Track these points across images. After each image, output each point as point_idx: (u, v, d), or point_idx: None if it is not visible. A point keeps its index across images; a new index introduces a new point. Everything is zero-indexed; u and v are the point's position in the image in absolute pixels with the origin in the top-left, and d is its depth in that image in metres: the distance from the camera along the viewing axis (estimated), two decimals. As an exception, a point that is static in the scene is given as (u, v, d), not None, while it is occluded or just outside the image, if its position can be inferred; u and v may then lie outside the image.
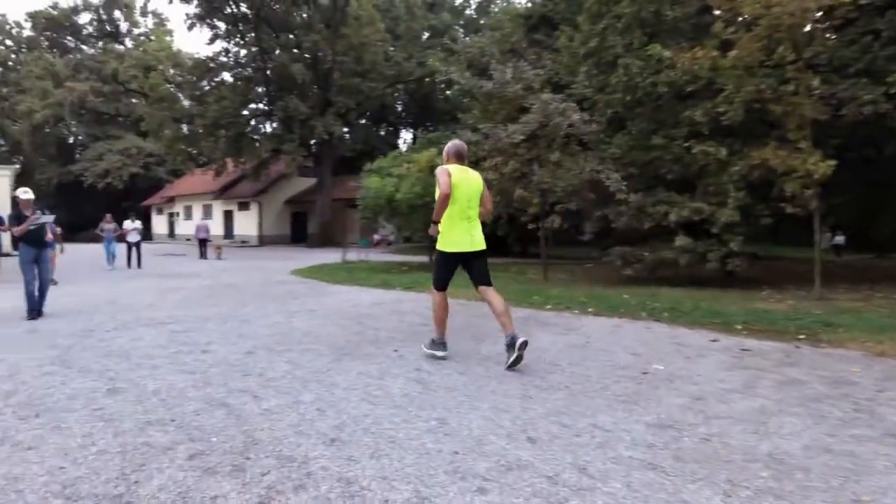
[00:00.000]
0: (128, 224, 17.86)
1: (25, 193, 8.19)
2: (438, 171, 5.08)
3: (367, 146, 38.93)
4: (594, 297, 9.51)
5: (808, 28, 9.84)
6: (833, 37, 10.50)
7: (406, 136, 50.04)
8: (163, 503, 2.63)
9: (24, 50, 51.74)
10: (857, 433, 3.55)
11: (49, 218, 8.29)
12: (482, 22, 33.73)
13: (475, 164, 13.32)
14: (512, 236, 22.45)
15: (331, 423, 3.66)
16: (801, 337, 6.36)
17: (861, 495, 2.77)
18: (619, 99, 12.58)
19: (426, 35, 39.28)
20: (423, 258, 18.89)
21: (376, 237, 32.04)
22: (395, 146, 43.31)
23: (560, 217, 12.71)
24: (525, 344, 4.94)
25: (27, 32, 52.46)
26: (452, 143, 5.45)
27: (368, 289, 11.73)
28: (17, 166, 32.58)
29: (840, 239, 20.98)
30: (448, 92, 31.48)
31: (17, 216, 7.96)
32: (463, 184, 5.10)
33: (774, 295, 10.19)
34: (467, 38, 25.48)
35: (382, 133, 47.79)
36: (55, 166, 49.37)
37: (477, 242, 5.24)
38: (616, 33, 12.77)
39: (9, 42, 53.28)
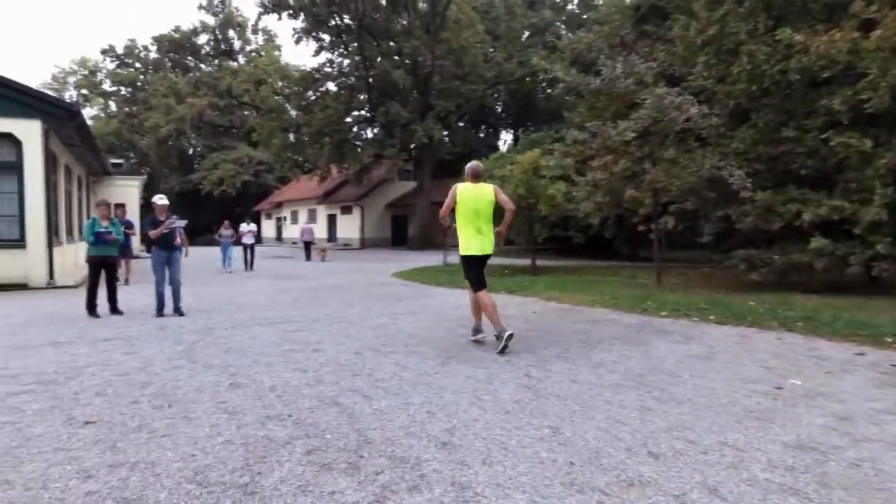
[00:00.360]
0: (243, 227, 18.92)
1: (161, 200, 8.96)
2: (453, 188, 6.17)
3: (466, 149, 39.24)
4: (715, 304, 9.00)
5: None
6: None
7: (506, 138, 50.00)
8: (284, 495, 2.74)
9: (150, 71, 57.06)
10: None
11: (182, 223, 9.02)
12: (585, 17, 33.00)
13: (583, 163, 13.08)
14: (620, 238, 21.76)
15: (441, 427, 3.69)
16: None
17: None
18: (743, 89, 11.71)
19: (526, 34, 39.04)
20: (526, 261, 18.69)
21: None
22: (495, 148, 43.31)
23: (674, 218, 12.07)
24: (509, 341, 5.81)
25: (153, 55, 57.81)
26: (469, 164, 6.39)
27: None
28: (145, 176, 35.90)
29: None
30: (550, 91, 31.09)
31: (153, 221, 8.69)
32: (470, 199, 6.07)
33: None
34: (570, 35, 25.00)
35: (482, 135, 48.00)
36: (177, 176, 53.91)
37: (485, 248, 6.19)
38: (738, 19, 11.93)
39: (138, 64, 58.99)
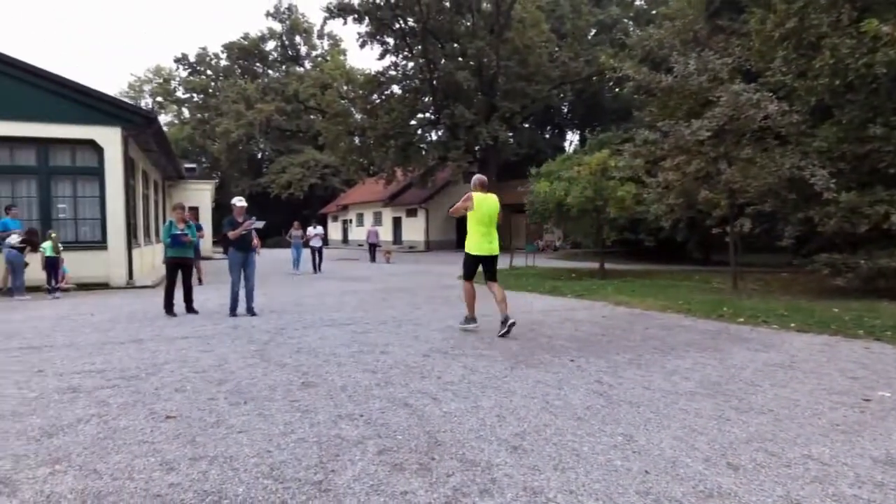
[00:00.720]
0: (310, 231, 19.25)
1: (240, 201, 9.35)
2: (467, 195, 7.31)
3: (531, 150, 38.99)
4: (796, 310, 8.69)
5: None
6: None
7: (572, 138, 49.37)
8: (357, 494, 2.82)
9: (221, 77, 59.53)
10: None
11: (260, 224, 9.38)
12: (654, 13, 32.19)
13: (653, 164, 12.88)
14: (692, 242, 21.16)
15: (512, 431, 3.71)
16: None
17: None
18: (826, 84, 11.21)
19: (593, 32, 38.45)
20: (593, 264, 18.41)
21: (541, 242, 31.92)
22: (561, 149, 42.80)
23: (751, 220, 11.62)
24: (513, 324, 7.03)
25: (223, 62, 60.35)
26: (476, 177, 7.68)
27: (538, 295, 11.78)
28: (217, 180, 37.47)
29: None
30: (618, 90, 30.42)
31: (231, 222, 9.05)
32: (483, 205, 7.24)
33: None
34: (639, 32, 24.44)
35: (547, 136, 47.57)
36: (246, 179, 56.06)
37: (492, 249, 7.34)
38: (819, 10, 11.42)
39: (209, 72, 61.69)
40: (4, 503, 2.75)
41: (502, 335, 6.88)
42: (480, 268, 7.41)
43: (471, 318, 7.53)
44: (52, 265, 11.80)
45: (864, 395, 4.51)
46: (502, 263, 19.95)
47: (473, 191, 7.37)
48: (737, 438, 3.57)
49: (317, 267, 18.64)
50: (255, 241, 9.91)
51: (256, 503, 2.72)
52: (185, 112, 64.52)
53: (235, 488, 2.87)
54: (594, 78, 33.34)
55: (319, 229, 19.69)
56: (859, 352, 6.17)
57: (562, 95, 36.55)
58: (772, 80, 11.63)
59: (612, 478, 3.02)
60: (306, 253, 19.12)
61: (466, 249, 7.41)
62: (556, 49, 33.52)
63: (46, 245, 11.73)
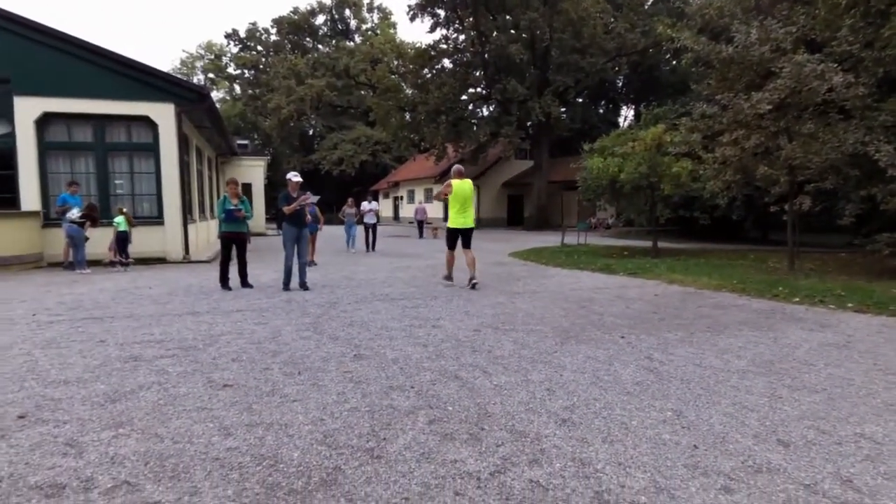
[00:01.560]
0: (365, 206, 18.60)
1: (295, 176, 9.36)
2: (448, 182, 9.29)
3: (584, 125, 38.28)
4: (854, 291, 8.59)
5: None
6: None
7: (627, 114, 48.17)
8: (408, 461, 2.96)
9: (271, 53, 60.18)
10: None
11: (314, 199, 9.61)
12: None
13: (711, 139, 12.65)
14: (749, 220, 20.59)
15: (561, 404, 3.84)
16: None
17: None
18: (894, 55, 10.71)
19: (650, 1, 37.16)
20: (646, 243, 18.15)
21: (593, 220, 31.49)
22: (615, 124, 41.88)
23: (811, 198, 11.29)
24: (476, 283, 9.13)
25: (273, 37, 60.99)
26: (454, 167, 9.59)
27: (589, 273, 11.84)
28: (269, 157, 38.19)
29: None
30: (675, 62, 29.39)
31: (286, 197, 9.09)
32: (460, 190, 9.24)
33: None
34: (698, 0, 23.53)
35: (601, 111, 46.55)
36: (298, 156, 56.97)
37: (468, 223, 9.37)
38: (891, -25, 10.84)
39: (259, 47, 62.51)
40: (71, 463, 2.91)
41: (470, 287, 9.04)
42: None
43: (448, 277, 9.68)
44: (123, 240, 12.37)
45: None
46: (555, 241, 20.14)
47: (452, 179, 9.27)
48: (788, 416, 3.62)
49: (370, 245, 17.99)
50: (320, 217, 10.06)
51: (311, 468, 2.87)
52: (237, 88, 65.58)
53: (290, 453, 3.03)
54: (650, 50, 32.29)
55: (375, 204, 19.00)
56: None
57: (616, 69, 35.59)
58: (837, 50, 11.11)
59: (660, 451, 3.10)
60: (360, 230, 18.61)
61: (448, 224, 9.43)
62: (612, 20, 32.51)
63: (119, 220, 12.27)
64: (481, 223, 38.89)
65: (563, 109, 33.32)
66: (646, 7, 34.43)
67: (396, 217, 52.53)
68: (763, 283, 9.57)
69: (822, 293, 8.39)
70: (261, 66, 59.38)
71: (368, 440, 3.20)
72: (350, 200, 18.68)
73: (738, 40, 11.46)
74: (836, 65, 10.61)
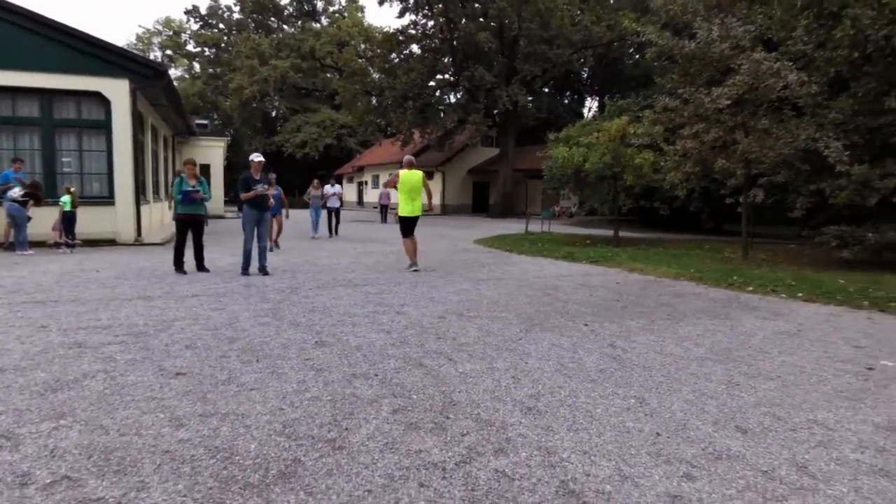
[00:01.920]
0: (328, 189, 17.59)
1: (257, 157, 9.08)
2: (396, 173, 9.81)
3: (550, 115, 38.45)
4: (803, 281, 8.91)
5: None
6: None
7: (591, 105, 48.61)
8: (371, 451, 2.87)
9: (234, 32, 58.44)
10: None
11: (272, 191, 9.36)
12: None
13: (672, 132, 12.90)
14: (705, 212, 21.11)
15: (526, 392, 3.81)
16: None
17: None
18: (845, 56, 11.18)
19: (615, -5, 37.43)
20: (608, 232, 18.43)
21: (557, 209, 31.75)
22: (580, 115, 42.19)
23: (763, 191, 11.74)
24: (417, 269, 9.61)
25: (237, 15, 59.30)
26: (405, 158, 10.06)
27: (553, 260, 11.92)
28: (229, 138, 37.17)
29: None
30: (639, 55, 29.68)
31: (248, 179, 8.82)
32: (407, 180, 9.61)
33: None
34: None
35: (566, 101, 46.84)
36: (260, 137, 55.74)
37: (414, 211, 9.75)
38: (842, -21, 11.26)
39: (221, 25, 60.68)
40: (7, 457, 2.71)
41: (412, 271, 9.52)
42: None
43: (413, 264, 9.79)
44: (70, 220, 11.84)
45: (867, 363, 4.67)
46: (519, 229, 20.22)
47: (401, 169, 9.77)
48: (745, 403, 3.70)
49: (334, 230, 17.51)
50: (285, 200, 9.94)
51: (269, 460, 2.75)
52: (196, 66, 63.49)
53: (247, 445, 2.90)
54: (615, 43, 32.67)
55: (338, 188, 18.17)
56: (863, 322, 6.35)
57: (582, 60, 35.89)
58: (792, 49, 11.52)
59: (624, 439, 3.12)
60: (323, 215, 17.74)
61: (398, 213, 9.93)
62: (579, 13, 32.74)
63: (66, 199, 11.70)
64: (446, 210, 38.93)
65: (529, 98, 33.41)
66: (611, 1, 34.68)
67: (360, 202, 52.06)
68: (719, 272, 9.81)
69: (774, 283, 8.66)
70: (222, 45, 57.65)
71: (330, 430, 3.10)
72: (316, 182, 17.54)
73: (700, 37, 11.70)
74: (790, 63, 10.97)
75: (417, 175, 9.74)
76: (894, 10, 9.99)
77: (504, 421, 3.29)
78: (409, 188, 9.61)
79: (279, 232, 13.06)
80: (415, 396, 3.65)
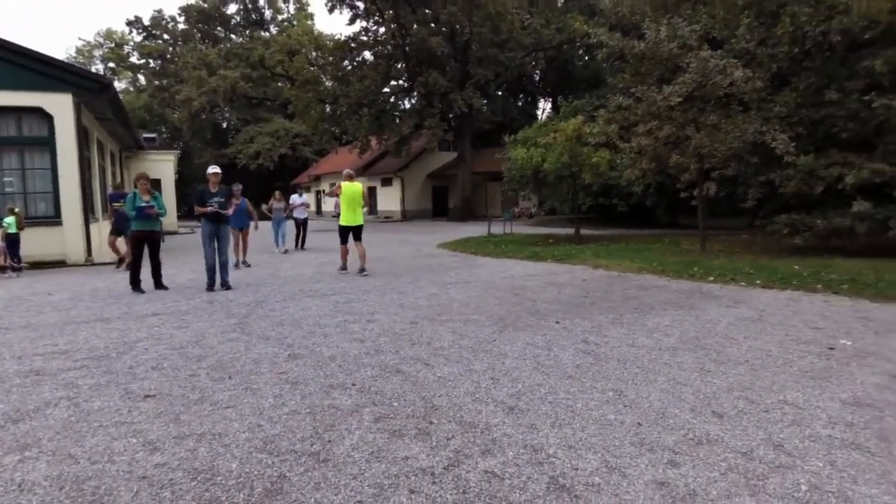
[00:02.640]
0: (295, 199, 16.71)
1: (213, 169, 8.90)
2: (338, 184, 10.31)
3: (505, 118, 38.82)
4: (760, 269, 9.30)
5: None
6: None
7: (545, 106, 49.28)
8: (357, 462, 2.84)
9: (179, 42, 56.92)
10: None
11: (241, 204, 9.05)
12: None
13: (626, 130, 13.35)
14: (661, 206, 21.68)
15: (507, 392, 3.85)
16: None
17: None
18: (785, 52, 11.93)
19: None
20: (569, 230, 18.76)
21: (517, 210, 32.04)
22: (534, 116, 42.72)
23: (716, 184, 12.33)
24: (365, 273, 10.04)
25: (181, 26, 57.73)
26: (345, 171, 10.66)
27: (518, 261, 12.07)
28: (179, 151, 36.21)
29: None
30: (589, 57, 30.27)
31: (204, 192, 8.63)
32: (349, 191, 10.12)
33: None
34: None
35: (520, 104, 47.38)
36: (211, 149, 54.31)
37: (356, 220, 10.23)
38: (779, -22, 11.88)
39: (166, 36, 58.86)
40: None
41: (360, 275, 9.95)
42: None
43: (343, 268, 10.60)
44: (14, 243, 11.35)
45: (827, 344, 4.92)
46: (481, 231, 20.34)
47: (343, 181, 10.25)
48: (718, 388, 3.84)
49: (300, 243, 16.40)
50: (252, 211, 10.59)
51: (252, 478, 2.69)
52: (142, 79, 61.34)
53: (228, 464, 2.84)
54: (565, 46, 33.26)
55: (304, 198, 17.19)
56: (820, 304, 6.69)
57: (534, 63, 36.40)
58: (736, 47, 12.07)
59: (607, 431, 3.19)
60: (289, 227, 16.50)
61: (339, 222, 10.46)
62: (528, 16, 33.23)
63: (10, 221, 11.19)
64: (406, 215, 38.86)
65: (484, 102, 33.65)
66: (560, 4, 35.28)
67: (319, 211, 51.54)
68: (680, 264, 10.13)
69: (733, 272, 8.99)
70: (168, 56, 56.20)
71: (313, 443, 3.06)
72: (277, 194, 16.47)
73: (649, 37, 12.12)
74: (735, 61, 11.46)
75: (358, 187, 10.27)
76: (830, 6, 10.52)
77: (488, 422, 3.31)
78: (351, 199, 10.17)
79: (245, 249, 12.39)
80: (395, 403, 3.63)
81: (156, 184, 25.41)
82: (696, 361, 4.45)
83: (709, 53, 11.35)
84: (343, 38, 34.44)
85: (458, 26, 31.18)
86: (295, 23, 55.79)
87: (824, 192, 11.28)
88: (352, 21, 34.16)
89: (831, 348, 4.78)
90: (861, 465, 2.75)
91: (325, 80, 36.06)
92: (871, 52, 10.64)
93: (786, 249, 12.16)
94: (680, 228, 21.12)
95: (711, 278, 8.68)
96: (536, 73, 43.70)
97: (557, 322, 5.92)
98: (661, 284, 8.39)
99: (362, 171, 41.14)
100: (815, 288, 7.64)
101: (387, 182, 41.14)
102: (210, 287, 8.64)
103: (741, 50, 12.12)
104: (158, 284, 8.83)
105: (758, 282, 8.21)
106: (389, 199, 40.86)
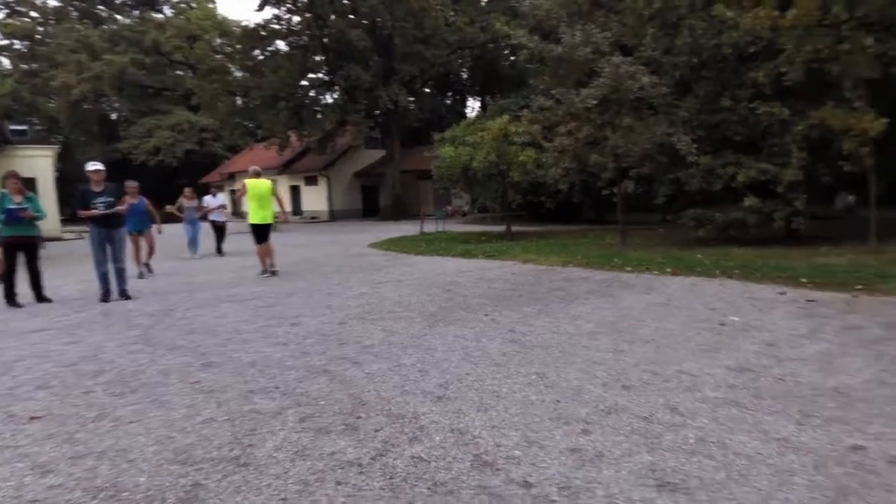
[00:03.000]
0: (209, 200, 15.89)
1: (93, 166, 8.48)
2: (244, 183, 10.60)
3: (434, 115, 39.08)
4: (671, 259, 10.60)
5: None
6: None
7: (474, 105, 49.94)
8: (281, 461, 2.99)
9: (52, 21, 51.07)
10: (911, 368, 4.29)
11: (138, 203, 8.80)
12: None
13: (549, 130, 14.50)
14: (587, 203, 23.36)
15: (435, 382, 4.23)
16: (859, 287, 7.37)
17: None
18: (685, 61, 13.58)
19: (486, -1, 38.61)
20: (501, 227, 19.79)
21: (450, 208, 32.48)
22: (463, 115, 43.24)
23: (634, 182, 13.96)
24: (276, 272, 10.61)
25: (53, 2, 52.13)
26: (251, 168, 10.97)
27: (451, 258, 12.80)
28: (58, 146, 33.56)
29: (850, 199, 20.68)
30: (514, 57, 31.11)
31: (86, 192, 8.27)
32: (254, 188, 10.39)
33: (834, 250, 11.07)
34: (530, 0, 25.36)
35: (449, 101, 47.83)
36: (100, 144, 49.96)
37: (265, 219, 10.50)
38: (679, -7, 13.30)
39: (34, 14, 53.02)
40: None
41: (271, 275, 10.44)
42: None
43: (264, 270, 10.65)
44: None
45: (719, 321, 5.97)
46: (413, 230, 20.70)
47: (248, 179, 10.56)
48: (628, 364, 4.62)
49: (218, 247, 15.48)
50: (153, 212, 10.71)
51: (163, 489, 2.73)
52: (6, 62, 56.19)
53: (135, 479, 2.85)
54: (490, 45, 33.82)
55: (221, 198, 16.31)
56: (716, 288, 7.93)
57: (461, 61, 36.97)
58: (644, 54, 13.70)
59: (528, 410, 3.67)
60: (204, 230, 15.64)
61: (248, 220, 10.67)
62: (452, 13, 33.66)
63: None
64: (335, 216, 38.60)
65: (411, 99, 33.83)
66: (483, 3, 35.81)
67: (235, 212, 50.29)
68: (602, 257, 11.36)
69: (647, 262, 10.23)
70: (37, 37, 52.49)
71: (232, 449, 3.15)
72: (188, 191, 15.48)
73: (566, 41, 13.36)
74: (644, 67, 12.94)
75: (265, 184, 10.52)
76: (721, 21, 11.99)
77: (416, 412, 3.64)
78: (258, 196, 10.38)
79: (150, 252, 11.84)
80: (322, 402, 3.82)
81: (30, 183, 23.80)
82: (611, 343, 5.23)
83: (620, 59, 12.69)
84: (252, 25, 33.55)
85: (378, 20, 31.19)
86: (194, 5, 54.02)
87: (722, 189, 13.02)
88: (261, 7, 33.08)
89: (722, 325, 5.79)
90: (738, 419, 3.48)
91: (233, 69, 35.25)
92: (756, 65, 12.32)
93: (693, 241, 13.81)
94: (605, 224, 22.61)
95: (629, 269, 9.83)
96: (464, 71, 44.36)
97: (486, 315, 6.52)
98: (585, 276, 9.38)
99: (283, 169, 40.53)
100: (714, 274, 8.92)
101: (311, 181, 40.50)
102: (105, 297, 8.28)
103: (648, 57, 13.79)
104: (40, 297, 8.38)
105: (668, 270, 9.45)
106: (315, 199, 40.28)
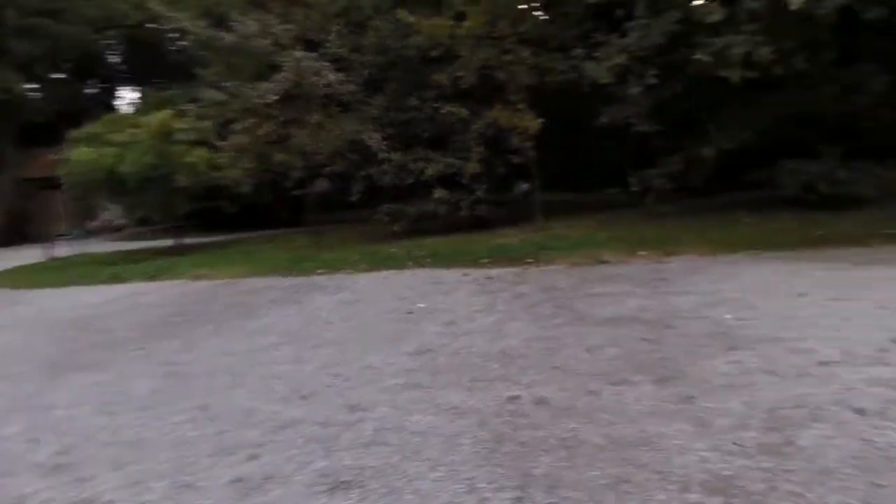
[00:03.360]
0: None
1: None
2: None
3: (70, 108, 35.22)
4: (365, 255, 11.11)
5: (521, 7, 13.19)
6: (541, 15, 13.87)
7: (130, 96, 46.38)
8: None
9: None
10: (559, 322, 5.32)
11: None
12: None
13: (224, 127, 14.25)
14: (279, 205, 22.71)
15: (50, 451, 3.71)
16: (529, 261, 8.63)
17: (557, 363, 4.26)
18: (372, 60, 14.57)
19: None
20: (167, 241, 18.07)
21: (94, 224, 29.55)
22: (112, 107, 39.95)
23: (328, 180, 14.18)
24: None
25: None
26: None
27: (92, 287, 11.39)
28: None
29: (525, 186, 25.67)
30: (181, 42, 29.74)
31: None
32: None
33: (510, 232, 12.83)
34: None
35: (93, 91, 43.67)
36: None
37: None
38: (363, -5, 14.27)
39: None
40: None
41: None
42: None
43: None
44: None
45: (408, 309, 6.39)
46: (37, 256, 18.23)
47: None
48: (310, 372, 4.64)
49: None
50: None
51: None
52: None
53: None
54: (147, 25, 31.62)
55: None
56: (407, 278, 8.53)
57: (108, 42, 33.91)
58: (330, 51, 14.02)
59: (183, 452, 3.44)
60: None
61: None
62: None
63: None
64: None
65: (34, 86, 30.11)
66: None
67: None
68: (291, 261, 11.36)
69: (340, 261, 10.56)
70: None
71: None
72: None
73: (239, 30, 13.06)
74: (330, 64, 13.36)
75: None
76: (406, 25, 13.12)
77: (20, 494, 3.17)
78: None
79: None
80: None
81: None
82: (292, 353, 5.21)
83: (303, 54, 12.90)
84: None
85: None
86: None
87: (413, 183, 14.14)
88: None
89: (410, 313, 6.22)
90: (416, 400, 3.80)
91: None
92: (438, 68, 13.72)
93: (389, 235, 14.60)
94: (302, 226, 22.40)
95: (321, 270, 9.96)
96: (115, 55, 40.87)
97: (139, 349, 5.95)
98: (270, 285, 9.23)
99: None
100: (406, 265, 9.59)
101: None
102: None
103: (336, 54, 14.14)
104: None
105: (362, 266, 9.88)
106: None
